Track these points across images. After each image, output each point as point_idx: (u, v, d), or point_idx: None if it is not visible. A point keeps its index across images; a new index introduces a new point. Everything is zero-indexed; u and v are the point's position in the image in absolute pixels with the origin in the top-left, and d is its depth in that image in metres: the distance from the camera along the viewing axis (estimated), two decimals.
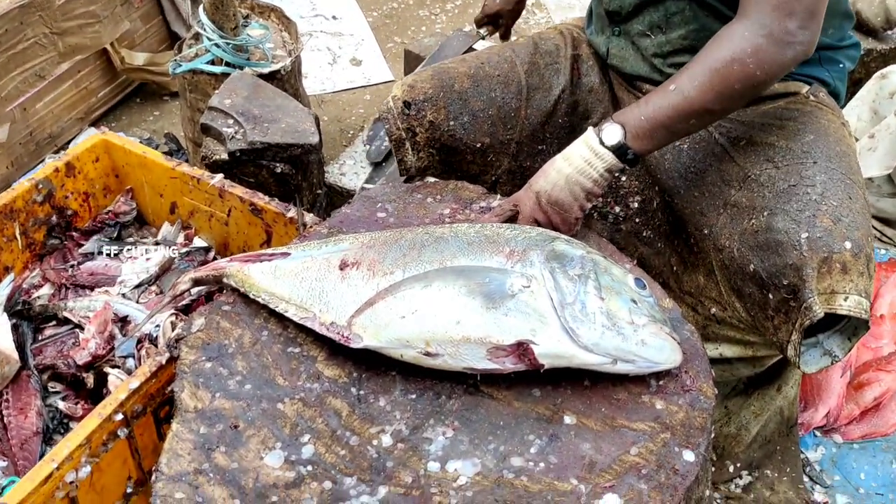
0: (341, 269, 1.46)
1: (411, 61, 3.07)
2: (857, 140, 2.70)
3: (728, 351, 1.84)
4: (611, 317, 1.35)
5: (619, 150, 1.56)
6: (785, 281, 1.51)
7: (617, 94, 1.98)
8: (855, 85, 2.91)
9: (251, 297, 1.52)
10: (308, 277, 1.48)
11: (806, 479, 2.18)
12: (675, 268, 1.90)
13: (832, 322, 1.53)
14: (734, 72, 1.49)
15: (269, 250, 1.58)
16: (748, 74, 1.49)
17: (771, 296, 1.54)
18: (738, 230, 1.63)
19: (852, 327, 1.55)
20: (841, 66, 1.83)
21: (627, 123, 1.55)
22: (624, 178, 1.98)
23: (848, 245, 1.48)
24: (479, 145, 1.93)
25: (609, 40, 1.92)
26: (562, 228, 1.61)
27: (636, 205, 1.97)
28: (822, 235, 1.50)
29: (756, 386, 1.99)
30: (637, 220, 1.97)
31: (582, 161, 1.57)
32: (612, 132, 1.56)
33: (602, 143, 1.56)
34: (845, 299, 1.46)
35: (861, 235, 1.51)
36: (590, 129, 1.59)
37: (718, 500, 2.08)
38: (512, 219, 1.68)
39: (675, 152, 1.84)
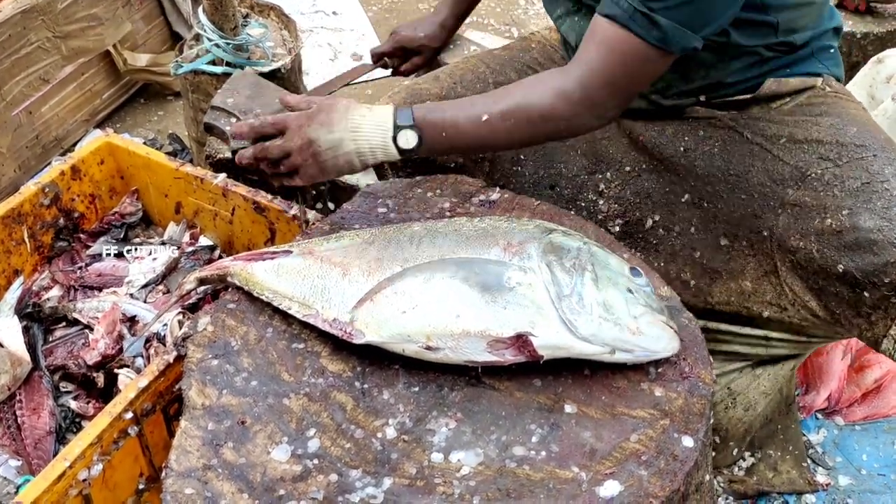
0: (342, 266, 1.49)
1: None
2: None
3: (775, 334, 1.86)
4: (607, 307, 1.37)
5: (405, 153, 1.57)
6: (886, 279, 1.52)
7: None
8: (852, 68, 2.90)
9: (255, 294, 1.54)
10: (310, 275, 1.51)
11: (808, 460, 2.20)
12: (692, 283, 1.88)
13: None
14: (548, 127, 1.55)
15: (272, 248, 1.61)
16: (558, 132, 1.57)
17: (867, 294, 1.55)
18: (813, 230, 1.62)
19: None
20: (832, 50, 1.83)
21: (426, 134, 1.55)
22: (602, 202, 1.96)
23: None
24: (451, 165, 1.95)
25: None
26: (298, 178, 1.64)
27: (617, 229, 1.95)
28: None
29: (766, 365, 2.00)
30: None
31: (367, 146, 1.57)
32: (409, 139, 1.55)
33: (395, 143, 1.56)
34: None
35: None
36: (388, 113, 1.56)
37: (722, 485, 2.10)
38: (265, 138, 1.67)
39: (705, 157, 1.82)
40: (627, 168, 1.90)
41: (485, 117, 1.53)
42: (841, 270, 1.58)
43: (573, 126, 1.58)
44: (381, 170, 2.06)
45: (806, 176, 1.68)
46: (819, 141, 1.71)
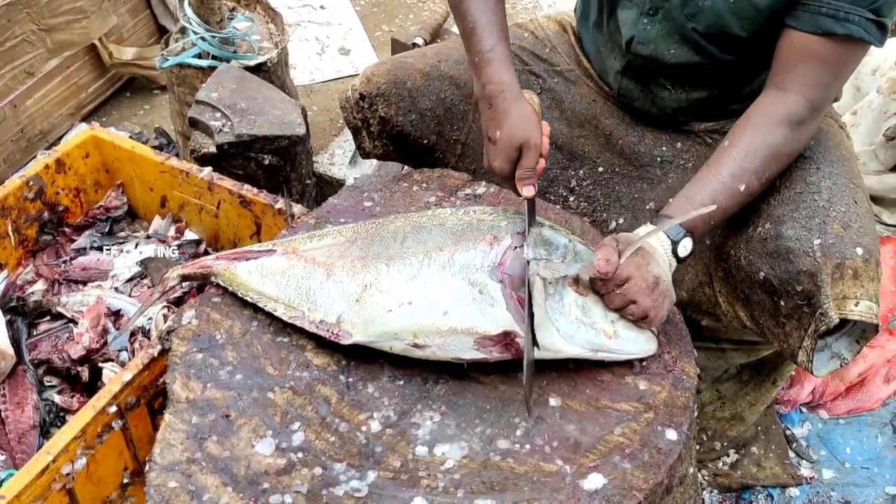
0: (326, 266, 1.48)
1: (398, 49, 3.08)
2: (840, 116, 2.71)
3: (726, 343, 1.86)
4: (586, 310, 1.37)
5: (682, 260, 1.48)
6: (799, 287, 1.50)
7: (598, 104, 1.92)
8: None
9: (240, 295, 1.53)
10: (294, 276, 1.50)
11: (792, 454, 2.21)
12: None
13: (840, 325, 1.52)
14: (791, 158, 1.56)
15: (256, 247, 1.60)
16: (791, 158, 1.57)
17: (783, 302, 1.54)
18: (744, 238, 1.62)
19: (860, 330, 1.55)
20: None
21: (696, 230, 1.48)
22: (573, 199, 1.94)
23: (859, 251, 1.49)
24: (425, 142, 1.95)
25: (620, 77, 1.81)
26: (655, 321, 1.42)
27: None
28: (835, 242, 1.50)
29: (751, 375, 2.02)
30: None
31: (667, 269, 1.44)
32: (686, 247, 1.47)
33: (676, 255, 1.46)
34: (856, 304, 1.47)
35: (870, 241, 1.52)
36: (662, 234, 1.45)
37: (707, 478, 2.11)
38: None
39: (679, 170, 1.81)
40: (601, 169, 1.89)
41: (742, 187, 1.50)
42: (762, 277, 1.56)
43: (806, 145, 1.58)
44: (360, 146, 2.04)
45: None
46: None
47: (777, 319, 1.57)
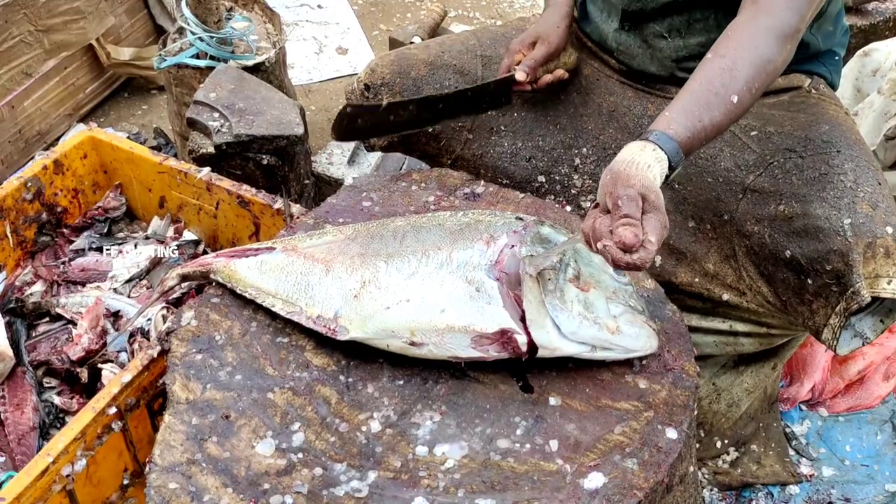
0: (325, 262, 1.48)
1: (396, 48, 3.07)
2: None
3: (740, 326, 1.85)
4: (588, 306, 1.37)
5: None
6: (828, 266, 1.52)
7: (601, 82, 1.94)
8: None
9: (238, 292, 1.53)
10: (293, 272, 1.50)
11: (792, 452, 2.21)
12: (657, 263, 1.82)
13: (866, 304, 1.53)
14: (779, 71, 1.47)
15: (255, 245, 1.60)
16: (777, 73, 1.48)
17: (810, 281, 1.56)
18: (766, 215, 1.63)
19: (885, 309, 1.56)
20: (836, 57, 1.84)
21: (691, 150, 1.38)
22: (577, 177, 1.97)
23: (889, 230, 1.50)
24: (430, 130, 1.97)
25: (618, 34, 1.84)
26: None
27: (587, 204, 1.95)
28: (865, 221, 1.51)
29: (749, 363, 2.01)
30: None
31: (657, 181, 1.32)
32: (678, 167, 1.36)
33: (667, 177, 1.35)
34: (889, 283, 1.48)
35: None
36: (663, 156, 1.34)
37: (707, 476, 2.11)
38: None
39: None
40: (604, 145, 1.91)
41: (735, 98, 1.41)
42: (788, 256, 1.59)
43: (786, 61, 1.49)
44: (365, 140, 2.06)
45: (769, 164, 1.68)
46: (789, 134, 1.71)
47: (802, 297, 1.59)
